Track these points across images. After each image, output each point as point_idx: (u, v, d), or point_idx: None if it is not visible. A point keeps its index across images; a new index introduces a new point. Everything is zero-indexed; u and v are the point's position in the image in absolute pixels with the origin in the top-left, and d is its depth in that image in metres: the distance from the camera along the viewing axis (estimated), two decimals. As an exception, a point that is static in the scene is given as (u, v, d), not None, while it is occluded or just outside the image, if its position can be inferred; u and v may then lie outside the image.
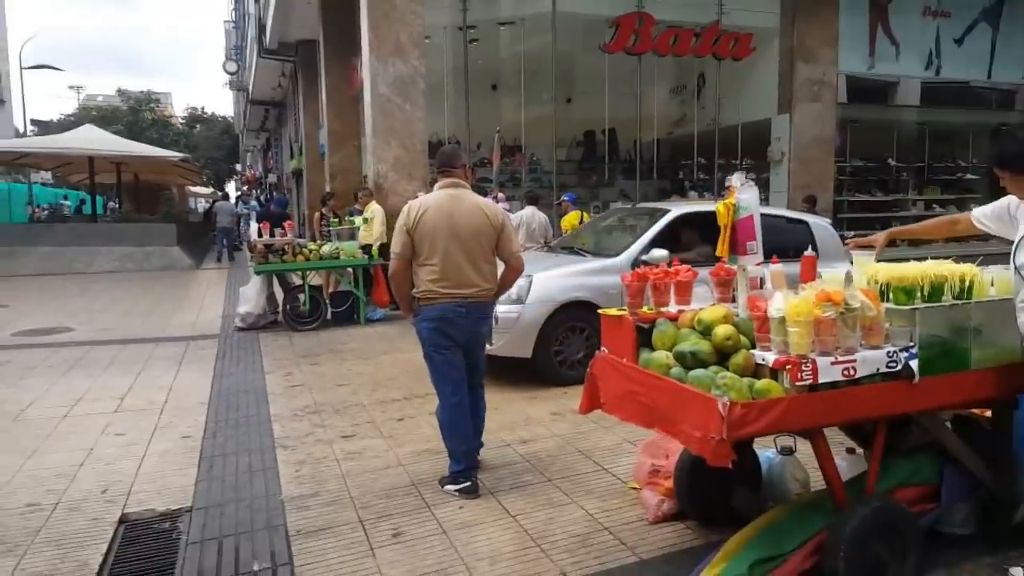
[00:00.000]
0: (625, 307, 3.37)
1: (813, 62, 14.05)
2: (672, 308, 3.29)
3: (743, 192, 3.14)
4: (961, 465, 3.17)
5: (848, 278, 3.33)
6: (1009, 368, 3.06)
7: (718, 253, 3.23)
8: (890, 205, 15.91)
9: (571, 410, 5.73)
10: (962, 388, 2.98)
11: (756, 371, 2.85)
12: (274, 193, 26.24)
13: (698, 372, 2.82)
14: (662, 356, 3.04)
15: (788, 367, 2.70)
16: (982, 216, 3.20)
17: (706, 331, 3.03)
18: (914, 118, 15.77)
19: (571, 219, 10.23)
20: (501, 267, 4.19)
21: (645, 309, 3.27)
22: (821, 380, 2.72)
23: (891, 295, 2.94)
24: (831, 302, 2.73)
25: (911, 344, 2.86)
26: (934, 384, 2.89)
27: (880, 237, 3.44)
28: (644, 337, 3.21)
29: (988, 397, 3.09)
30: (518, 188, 13.42)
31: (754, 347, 2.89)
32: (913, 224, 3.75)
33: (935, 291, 2.95)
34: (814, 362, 2.71)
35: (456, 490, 4.07)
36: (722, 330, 2.89)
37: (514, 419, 5.52)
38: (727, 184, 3.22)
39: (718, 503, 3.56)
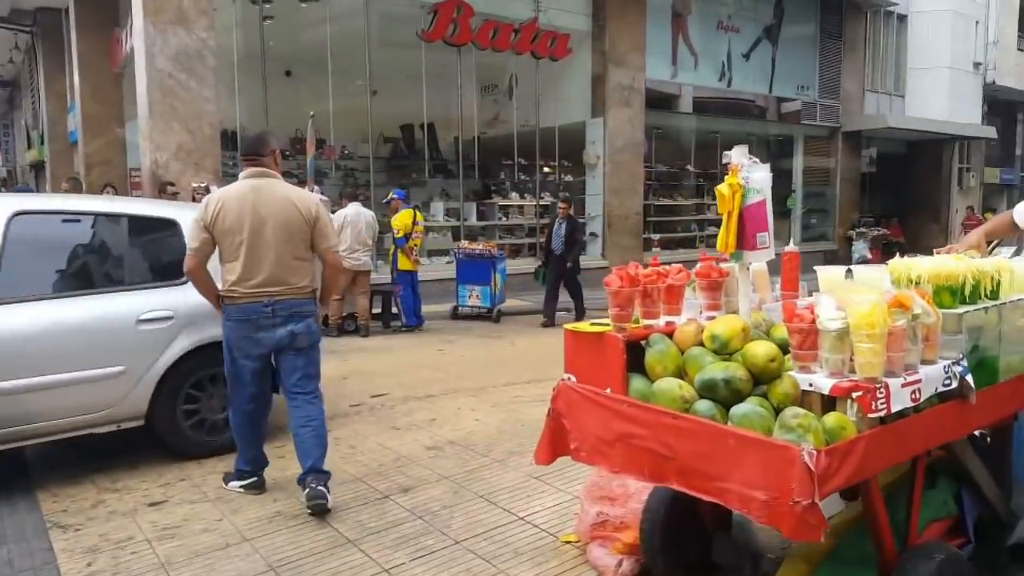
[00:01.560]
0: (602, 320, 2.55)
1: (623, 67, 14.24)
2: (661, 320, 2.53)
3: (753, 171, 2.46)
4: (976, 489, 2.74)
5: (849, 274, 2.81)
6: (1020, 378, 2.67)
7: (721, 248, 2.52)
8: (691, 208, 16.65)
9: (448, 441, 4.82)
10: (997, 404, 2.53)
11: (799, 401, 2.17)
12: (6, 189, 21.77)
13: (746, 409, 2.07)
14: (674, 386, 2.26)
15: (857, 395, 2.04)
16: None
17: (722, 349, 2.30)
18: (708, 127, 16.62)
19: (403, 218, 9.22)
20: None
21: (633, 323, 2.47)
22: (894, 408, 2.09)
23: (933, 297, 2.39)
24: (902, 308, 2.12)
25: (961, 356, 2.34)
26: (979, 402, 2.39)
27: (974, 237, 2.94)
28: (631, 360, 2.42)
29: (1012, 413, 2.67)
30: (330, 185, 12.06)
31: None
32: (987, 224, 3.27)
33: (973, 290, 2.46)
34: (887, 386, 2.07)
35: (242, 485, 3.95)
36: (763, 349, 2.17)
37: (381, 460, 4.48)
38: (726, 161, 2.52)
39: (697, 557, 2.86)
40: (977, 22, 19.16)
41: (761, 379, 2.19)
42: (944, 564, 2.25)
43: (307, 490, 3.64)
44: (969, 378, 2.33)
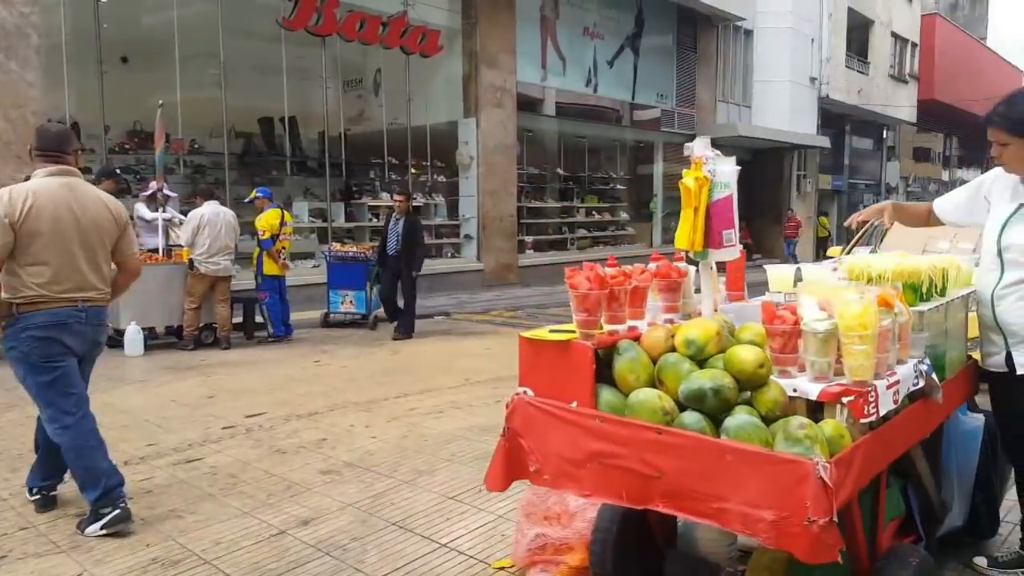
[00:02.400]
0: (561, 327, 2.29)
1: (495, 68, 14.14)
2: (622, 326, 2.30)
3: (719, 164, 2.29)
4: (920, 486, 2.73)
5: (798, 272, 2.73)
6: (958, 374, 2.69)
7: (686, 246, 2.33)
8: (560, 211, 16.82)
9: (344, 463, 4.38)
10: (948, 400, 2.51)
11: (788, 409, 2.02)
12: None
13: (742, 420, 1.88)
14: (653, 397, 2.03)
15: (848, 399, 1.91)
16: (948, 206, 2.78)
17: (697, 355, 2.11)
18: (576, 131, 16.87)
19: (269, 218, 8.53)
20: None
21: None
22: (882, 411, 1.99)
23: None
24: (887, 307, 2.01)
25: (924, 354, 2.28)
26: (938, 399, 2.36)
27: (888, 205, 2.85)
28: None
29: (953, 410, 2.68)
30: (175, 182, 11.01)
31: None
32: (903, 204, 3.20)
33: (930, 287, 2.43)
34: (875, 389, 1.96)
35: (103, 526, 3.38)
36: (750, 354, 1.98)
37: (270, 489, 3.99)
38: (687, 153, 2.34)
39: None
40: (813, 40, 20.76)
41: (746, 386, 2.01)
42: (919, 568, 2.18)
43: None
44: (934, 376, 2.28)
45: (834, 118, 22.36)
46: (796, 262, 19.29)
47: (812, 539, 1.68)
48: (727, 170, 2.29)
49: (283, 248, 8.72)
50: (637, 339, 2.25)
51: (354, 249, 10.16)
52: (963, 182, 3.36)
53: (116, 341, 7.79)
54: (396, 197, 9.27)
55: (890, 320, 2.01)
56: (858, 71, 22.83)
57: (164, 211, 8.39)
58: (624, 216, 18.23)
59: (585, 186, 17.50)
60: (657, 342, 2.20)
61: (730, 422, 1.90)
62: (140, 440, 4.83)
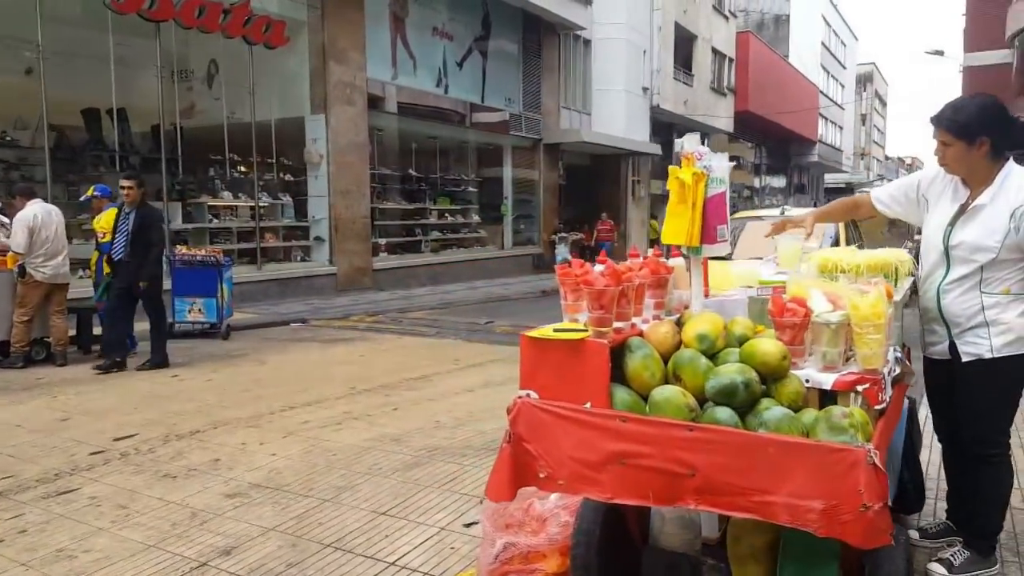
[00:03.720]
0: (567, 326, 2.19)
1: (344, 64, 13.67)
2: (627, 323, 2.25)
3: (713, 160, 2.29)
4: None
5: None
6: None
7: (682, 242, 2.32)
8: (413, 213, 16.55)
9: (250, 484, 4.00)
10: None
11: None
12: None
13: (779, 412, 1.89)
14: (677, 394, 1.99)
15: (863, 387, 1.99)
16: (885, 197, 2.96)
17: (709, 350, 2.11)
18: (426, 131, 16.69)
19: (109, 219, 7.64)
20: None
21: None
22: (887, 398, 2.08)
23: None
24: (889, 298, 2.11)
25: (895, 342, 2.43)
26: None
27: (809, 218, 2.97)
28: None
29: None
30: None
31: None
32: (824, 206, 3.39)
33: (896, 279, 2.59)
34: (884, 376, 2.05)
35: None
36: (773, 346, 2.00)
37: (173, 519, 3.54)
38: (678, 150, 2.33)
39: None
40: (644, 51, 21.97)
41: (767, 379, 2.02)
42: (907, 544, 2.31)
43: None
44: (907, 361, 2.43)
45: (663, 127, 23.83)
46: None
47: (867, 524, 1.71)
48: (721, 166, 2.31)
49: (126, 252, 7.84)
50: (640, 336, 2.21)
51: (203, 252, 9.38)
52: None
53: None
54: (123, 183, 7.07)
55: (892, 310, 2.10)
56: (684, 83, 24.49)
57: (-21, 212, 7.28)
58: (475, 218, 18.29)
59: (437, 187, 17.35)
60: (665, 338, 2.17)
61: (768, 415, 1.90)
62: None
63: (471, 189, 18.22)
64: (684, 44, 24.46)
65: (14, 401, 5.82)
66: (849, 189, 51.91)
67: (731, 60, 28.12)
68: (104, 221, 7.61)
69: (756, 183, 35.40)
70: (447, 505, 3.65)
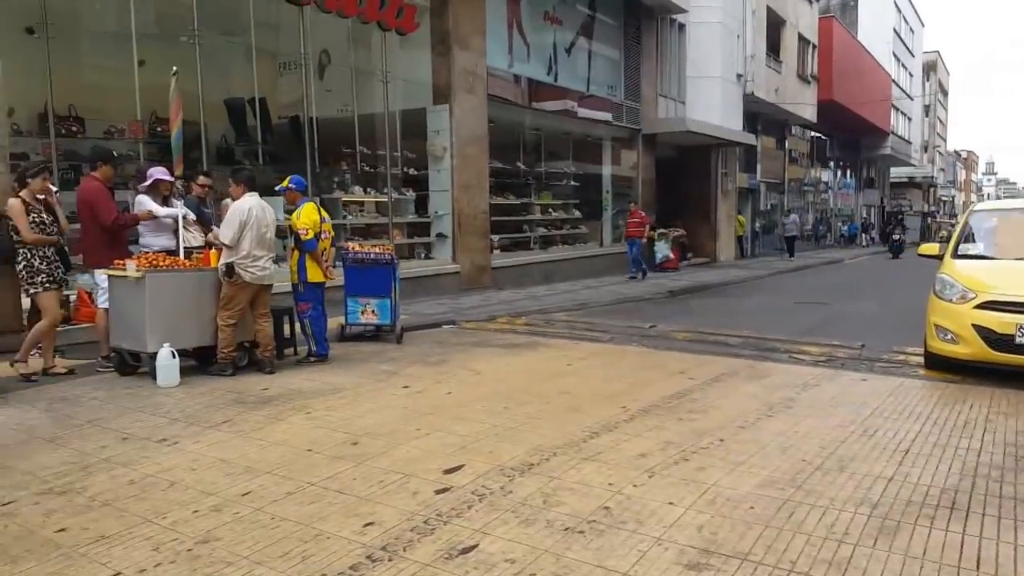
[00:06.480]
0: None
1: (468, 50, 12.88)
2: None
3: None
4: None
5: None
6: None
7: None
8: (520, 209, 15.73)
9: (695, 548, 3.18)
10: None
11: None
12: None
13: None
14: None
15: None
16: None
17: None
18: (535, 123, 15.87)
19: (310, 214, 6.89)
20: None
21: None
22: None
23: None
24: None
25: None
26: None
27: None
28: None
29: None
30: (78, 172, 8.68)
31: None
32: None
33: None
34: None
35: None
36: None
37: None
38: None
39: None
40: (738, 36, 21.00)
41: None
42: None
43: None
44: None
45: (748, 117, 22.84)
46: (643, 271, 17.84)
47: None
48: None
49: (325, 250, 7.11)
50: None
51: (377, 249, 8.63)
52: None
53: (129, 366, 5.99)
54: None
55: None
56: (774, 70, 23.48)
57: (178, 205, 6.56)
58: (576, 213, 17.43)
59: (542, 182, 16.51)
60: None
61: None
62: (357, 522, 3.34)
63: (573, 183, 17.37)
64: (772, 29, 23.47)
65: (270, 418, 5.06)
66: (915, 184, 50.51)
67: (814, 47, 27.02)
68: (305, 217, 6.87)
69: (825, 177, 34.17)
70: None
